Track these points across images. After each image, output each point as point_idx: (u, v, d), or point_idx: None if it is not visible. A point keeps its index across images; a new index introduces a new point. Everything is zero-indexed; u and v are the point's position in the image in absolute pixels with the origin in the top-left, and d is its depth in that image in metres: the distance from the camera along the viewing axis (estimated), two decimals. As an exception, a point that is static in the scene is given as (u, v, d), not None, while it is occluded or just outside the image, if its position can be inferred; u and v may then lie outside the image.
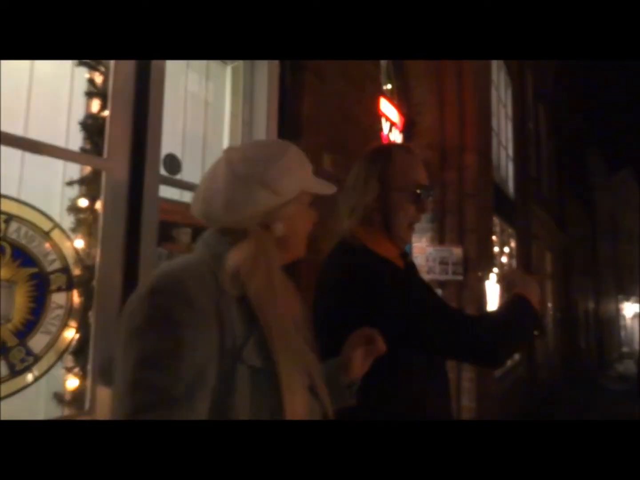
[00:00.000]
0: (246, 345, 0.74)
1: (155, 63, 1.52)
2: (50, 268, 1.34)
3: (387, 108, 4.63)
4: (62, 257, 1.38)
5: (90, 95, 1.55)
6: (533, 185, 9.41)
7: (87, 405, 1.29)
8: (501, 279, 5.37)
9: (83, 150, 1.49)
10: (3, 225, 1.25)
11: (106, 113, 1.45)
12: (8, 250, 1.25)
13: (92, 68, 1.55)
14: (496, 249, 6.75)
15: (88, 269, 1.41)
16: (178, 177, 1.79)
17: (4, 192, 1.26)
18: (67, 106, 1.58)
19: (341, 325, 0.96)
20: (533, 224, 8.89)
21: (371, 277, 1.08)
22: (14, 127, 1.28)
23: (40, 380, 1.30)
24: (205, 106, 2.08)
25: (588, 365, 14.05)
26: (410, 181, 1.20)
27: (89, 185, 1.49)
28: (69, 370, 1.39)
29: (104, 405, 1.30)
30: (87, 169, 1.50)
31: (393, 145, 1.36)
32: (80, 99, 1.56)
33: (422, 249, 4.97)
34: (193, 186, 1.80)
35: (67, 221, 1.45)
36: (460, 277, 4.84)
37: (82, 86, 1.56)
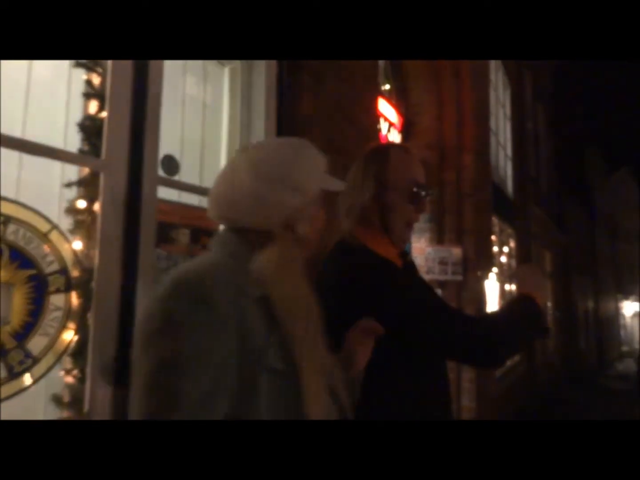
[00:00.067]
0: (268, 348, 0.73)
1: (153, 64, 1.52)
2: (48, 270, 1.34)
3: (386, 108, 4.64)
4: (61, 258, 1.38)
5: (88, 96, 1.55)
6: (532, 185, 9.42)
7: (86, 407, 1.29)
8: (511, 275, 5.36)
9: (81, 151, 1.49)
10: (1, 227, 1.25)
11: (104, 114, 1.45)
12: (6, 252, 1.25)
13: (90, 69, 1.55)
14: (495, 249, 6.75)
15: (86, 270, 1.40)
16: (176, 178, 1.79)
17: (2, 193, 1.26)
18: (65, 107, 1.58)
19: (340, 325, 0.96)
20: (532, 224, 8.90)
21: (369, 277, 1.08)
22: (12, 129, 1.28)
23: (38, 382, 1.29)
24: (203, 107, 2.08)
25: (588, 365, 14.06)
26: (407, 180, 1.20)
27: (87, 186, 1.49)
28: (67, 372, 1.39)
29: (103, 407, 1.29)
30: (85, 171, 1.50)
31: (391, 145, 1.36)
32: (78, 101, 1.56)
33: (421, 249, 4.98)
34: (191, 187, 1.80)
35: (66, 223, 1.45)
36: (459, 277, 4.84)
37: (79, 87, 1.56)
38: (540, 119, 11.41)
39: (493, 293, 5.72)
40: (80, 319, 1.39)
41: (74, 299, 1.39)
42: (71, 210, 1.47)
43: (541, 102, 11.40)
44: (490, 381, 5.33)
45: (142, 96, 1.48)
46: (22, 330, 1.26)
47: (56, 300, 1.35)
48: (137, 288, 1.40)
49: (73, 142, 1.50)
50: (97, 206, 1.43)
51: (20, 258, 1.28)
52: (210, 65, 2.12)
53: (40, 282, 1.31)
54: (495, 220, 6.62)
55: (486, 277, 5.33)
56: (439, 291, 4.73)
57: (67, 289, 1.38)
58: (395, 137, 4.87)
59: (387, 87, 4.96)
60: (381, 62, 4.63)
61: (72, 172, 1.50)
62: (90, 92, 1.55)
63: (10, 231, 1.27)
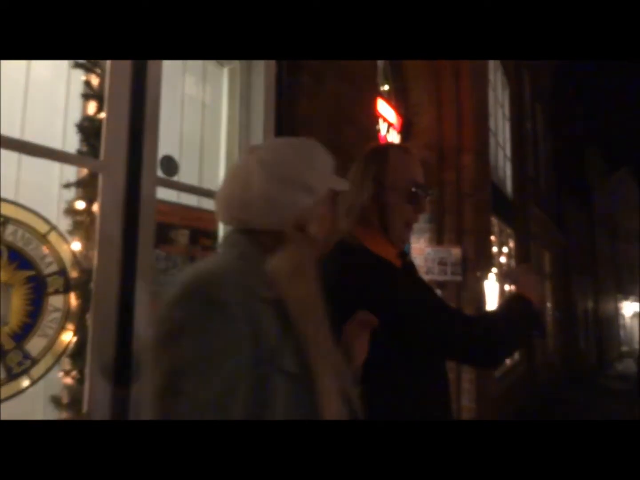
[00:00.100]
0: (281, 351, 0.72)
1: (151, 65, 1.52)
2: (47, 271, 1.34)
3: (385, 109, 4.64)
4: (59, 259, 1.37)
5: (86, 97, 1.55)
6: (531, 185, 9.43)
7: (85, 408, 1.28)
8: (505, 275, 5.37)
9: (80, 152, 1.49)
10: (0, 228, 1.25)
11: (103, 115, 1.45)
12: (5, 253, 1.25)
13: (89, 70, 1.55)
14: (495, 249, 6.76)
15: (85, 271, 1.40)
16: (175, 178, 1.79)
17: (1, 194, 1.25)
18: (64, 108, 1.58)
19: (339, 325, 0.96)
20: (531, 224, 8.90)
21: (367, 277, 1.08)
22: (10, 130, 1.27)
23: (37, 383, 1.29)
24: (202, 108, 2.08)
25: (588, 365, 14.06)
26: (406, 180, 1.20)
27: (86, 187, 1.49)
28: (66, 373, 1.38)
29: (102, 408, 1.29)
30: (84, 171, 1.50)
31: (390, 145, 1.36)
32: (76, 101, 1.56)
33: (421, 250, 4.98)
34: (190, 188, 1.80)
35: (64, 224, 1.45)
36: (459, 278, 4.84)
37: (78, 88, 1.56)
38: (539, 119, 11.43)
39: (492, 293, 5.71)
40: (79, 320, 1.39)
41: (73, 300, 1.39)
42: (70, 211, 1.47)
43: (540, 102, 11.41)
44: (490, 381, 5.33)
45: (140, 97, 1.48)
46: (20, 331, 1.25)
47: (55, 301, 1.35)
48: (136, 289, 1.39)
49: (72, 142, 1.50)
50: (95, 207, 1.42)
51: (19, 259, 1.27)
52: (210, 65, 2.12)
53: (39, 283, 1.31)
54: (494, 220, 6.63)
55: (485, 277, 5.33)
56: (438, 291, 4.73)
57: (66, 290, 1.37)
58: (394, 137, 4.88)
59: (386, 87, 4.96)
60: (380, 63, 4.63)
61: (71, 173, 1.50)
62: (89, 93, 1.55)
63: (9, 232, 1.27)
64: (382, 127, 4.61)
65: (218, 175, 2.09)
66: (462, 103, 5.27)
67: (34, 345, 1.28)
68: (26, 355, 1.26)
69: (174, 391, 0.65)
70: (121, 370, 1.33)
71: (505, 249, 7.54)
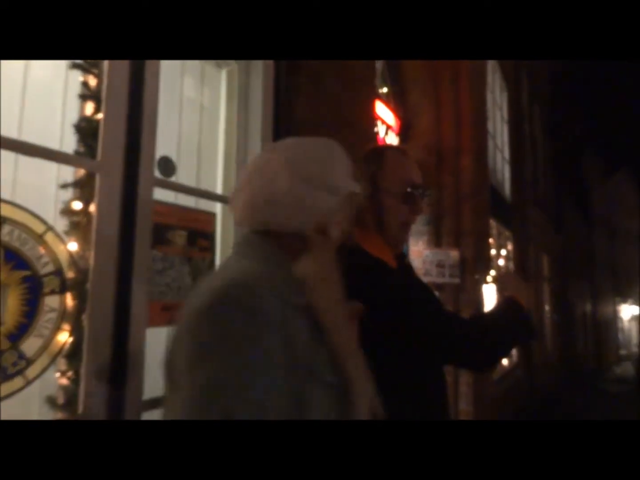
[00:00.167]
0: (316, 358, 0.70)
1: (149, 65, 1.52)
2: (43, 271, 1.33)
3: (383, 111, 4.65)
4: (56, 259, 1.37)
5: (84, 98, 1.55)
6: (529, 188, 9.44)
7: (80, 408, 1.28)
8: (494, 282, 5.39)
9: (77, 152, 1.49)
10: (-4, 228, 1.25)
11: (100, 116, 1.45)
12: (1, 253, 1.24)
13: (86, 71, 1.55)
14: (493, 252, 6.76)
15: (82, 272, 1.40)
16: (173, 179, 1.79)
17: (-3, 194, 1.26)
18: (61, 109, 1.58)
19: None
20: (530, 227, 8.91)
21: (361, 278, 1.07)
22: (8, 130, 1.27)
23: (33, 383, 1.29)
24: (200, 109, 2.08)
25: (586, 368, 14.06)
26: (401, 181, 1.21)
27: (83, 187, 1.49)
28: (62, 373, 1.38)
29: (97, 408, 1.29)
30: (81, 172, 1.50)
31: (387, 147, 1.36)
32: (74, 102, 1.56)
33: (419, 252, 4.98)
34: (188, 189, 1.80)
35: (61, 224, 1.45)
36: (457, 280, 4.84)
37: (76, 89, 1.56)
38: (537, 121, 11.45)
39: (490, 296, 5.72)
40: (75, 320, 1.38)
41: (69, 300, 1.39)
42: (67, 211, 1.47)
43: (539, 105, 11.43)
44: (488, 384, 5.33)
45: (138, 98, 1.48)
46: (16, 331, 1.25)
47: (51, 301, 1.34)
48: (133, 290, 1.39)
49: (69, 143, 1.50)
50: (92, 207, 1.42)
51: (15, 259, 1.27)
52: (208, 66, 2.13)
53: (35, 284, 1.31)
54: (493, 222, 6.63)
55: (484, 279, 5.33)
56: (436, 294, 4.73)
57: (62, 290, 1.37)
58: (393, 139, 4.88)
59: (384, 90, 4.97)
60: (379, 66, 4.64)
61: (68, 173, 1.50)
62: (87, 94, 1.55)
63: (5, 232, 1.26)
64: (381, 129, 4.61)
65: (216, 176, 2.09)
66: (461, 105, 5.28)
67: (30, 345, 1.28)
68: (21, 356, 1.26)
69: (212, 406, 0.62)
70: (117, 371, 1.33)
71: (503, 252, 7.55)
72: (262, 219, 0.79)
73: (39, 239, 1.34)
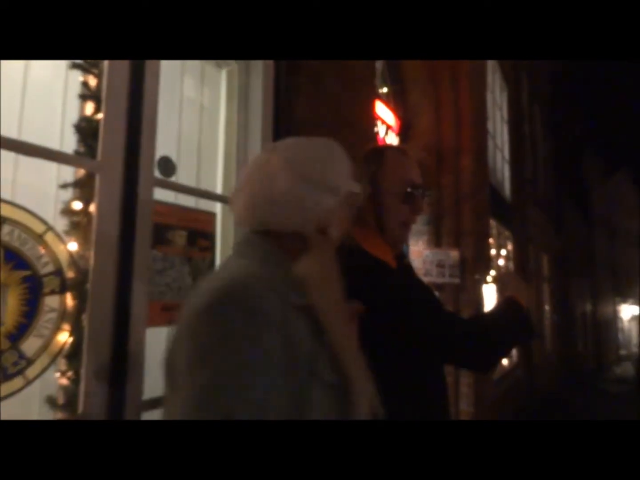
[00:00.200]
0: (316, 359, 0.70)
1: (149, 65, 1.52)
2: (43, 271, 1.33)
3: (383, 111, 4.65)
4: (56, 259, 1.37)
5: (84, 98, 1.55)
6: (529, 188, 9.44)
7: (80, 409, 1.28)
8: (495, 282, 5.40)
9: (77, 152, 1.49)
10: (-4, 228, 1.25)
11: (100, 116, 1.45)
12: (1, 253, 1.24)
13: (86, 71, 1.55)
14: (493, 252, 6.76)
15: (82, 272, 1.40)
16: (173, 179, 1.79)
17: (-3, 194, 1.26)
18: (61, 109, 1.58)
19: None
20: (529, 227, 8.91)
21: (359, 278, 1.07)
22: (8, 130, 1.27)
23: (33, 383, 1.29)
24: (200, 109, 2.08)
25: (586, 368, 14.06)
26: (401, 181, 1.21)
27: (83, 187, 1.49)
28: (62, 373, 1.38)
29: (97, 409, 1.29)
30: (81, 172, 1.50)
31: (386, 147, 1.36)
32: (74, 102, 1.56)
33: (419, 252, 4.98)
34: (188, 189, 1.79)
35: (61, 224, 1.45)
36: (457, 280, 4.85)
37: (76, 89, 1.56)
38: (537, 121, 11.45)
39: (490, 296, 5.72)
40: (75, 320, 1.38)
41: (69, 300, 1.38)
42: (67, 211, 1.47)
43: (538, 104, 11.44)
44: (488, 385, 5.33)
45: (138, 98, 1.48)
46: (16, 331, 1.25)
47: (51, 301, 1.34)
48: (133, 290, 1.39)
49: (69, 143, 1.50)
50: (92, 207, 1.42)
51: (15, 259, 1.27)
52: (208, 67, 2.13)
53: (35, 284, 1.31)
54: (492, 222, 6.63)
55: (484, 279, 5.33)
56: (436, 294, 4.73)
57: (62, 290, 1.37)
58: (393, 139, 4.88)
59: (384, 90, 4.97)
60: (379, 66, 4.64)
61: (68, 173, 1.50)
62: (87, 94, 1.55)
63: (5, 232, 1.26)
64: (381, 129, 4.62)
65: (216, 176, 2.09)
66: (461, 105, 5.28)
67: (30, 345, 1.28)
68: (21, 356, 1.26)
69: (212, 406, 0.62)
70: (117, 371, 1.33)
71: (503, 252, 7.55)
72: (262, 218, 0.79)
73: (39, 239, 1.34)
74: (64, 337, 1.37)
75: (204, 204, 1.86)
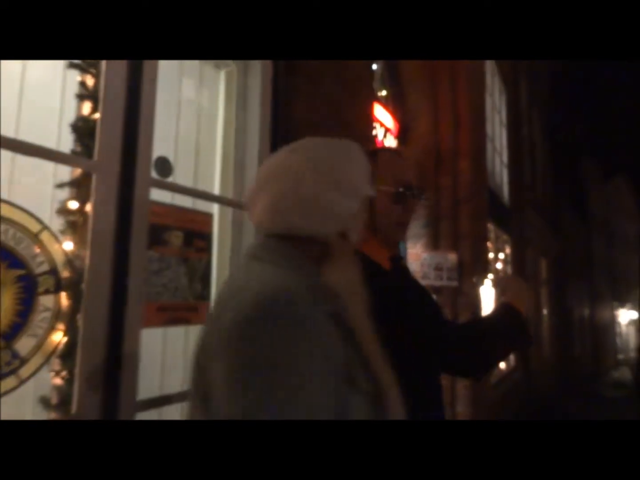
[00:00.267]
0: (351, 367, 0.69)
1: (147, 65, 1.52)
2: (38, 270, 1.33)
3: (382, 114, 4.65)
4: (51, 259, 1.37)
5: (81, 97, 1.55)
6: (528, 191, 9.46)
7: (74, 409, 1.27)
8: (494, 284, 5.40)
9: (74, 152, 1.48)
10: (-8, 227, 1.24)
11: (97, 115, 1.45)
12: (-4, 252, 1.24)
13: (84, 70, 1.55)
14: (491, 255, 6.77)
15: (77, 271, 1.40)
16: (169, 179, 1.78)
17: (-3, 194, 1.25)
18: (59, 108, 1.58)
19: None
20: (527, 230, 8.92)
21: None
22: (5, 129, 1.27)
23: (26, 383, 1.28)
24: (198, 110, 2.08)
25: (583, 372, 14.06)
26: (393, 181, 1.20)
27: (80, 187, 1.48)
28: (56, 373, 1.37)
29: (91, 409, 1.28)
30: (78, 171, 1.49)
31: (380, 148, 1.36)
32: (71, 102, 1.56)
33: (417, 255, 4.98)
34: (185, 189, 1.79)
35: (57, 223, 1.44)
36: (455, 283, 4.85)
37: (73, 89, 1.56)
38: (536, 124, 11.48)
39: (488, 299, 5.72)
40: (70, 320, 1.38)
41: (64, 300, 1.38)
42: (63, 211, 1.47)
43: (537, 108, 11.46)
44: (486, 388, 5.33)
45: (136, 98, 1.48)
46: (10, 330, 1.25)
47: (45, 301, 1.34)
48: (128, 290, 1.39)
49: (66, 142, 1.50)
50: (89, 207, 1.42)
51: (10, 258, 1.27)
52: (206, 67, 2.13)
53: (29, 283, 1.30)
54: (490, 226, 6.64)
55: (481, 283, 5.34)
56: (433, 297, 4.73)
57: (57, 289, 1.37)
58: (391, 142, 4.89)
59: (383, 93, 4.98)
60: (377, 68, 4.65)
61: (65, 173, 1.50)
62: (84, 93, 1.55)
63: (1, 231, 1.26)
64: (379, 132, 4.62)
65: (213, 177, 2.09)
66: (459, 108, 5.29)
67: (24, 344, 1.28)
68: (15, 355, 1.25)
69: (264, 416, 0.60)
70: (111, 371, 1.32)
71: (501, 255, 7.56)
72: (284, 223, 0.76)
73: (35, 238, 1.34)
74: (58, 337, 1.36)
75: (201, 205, 1.86)
